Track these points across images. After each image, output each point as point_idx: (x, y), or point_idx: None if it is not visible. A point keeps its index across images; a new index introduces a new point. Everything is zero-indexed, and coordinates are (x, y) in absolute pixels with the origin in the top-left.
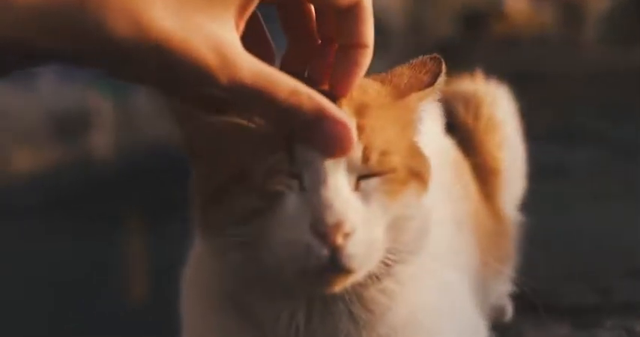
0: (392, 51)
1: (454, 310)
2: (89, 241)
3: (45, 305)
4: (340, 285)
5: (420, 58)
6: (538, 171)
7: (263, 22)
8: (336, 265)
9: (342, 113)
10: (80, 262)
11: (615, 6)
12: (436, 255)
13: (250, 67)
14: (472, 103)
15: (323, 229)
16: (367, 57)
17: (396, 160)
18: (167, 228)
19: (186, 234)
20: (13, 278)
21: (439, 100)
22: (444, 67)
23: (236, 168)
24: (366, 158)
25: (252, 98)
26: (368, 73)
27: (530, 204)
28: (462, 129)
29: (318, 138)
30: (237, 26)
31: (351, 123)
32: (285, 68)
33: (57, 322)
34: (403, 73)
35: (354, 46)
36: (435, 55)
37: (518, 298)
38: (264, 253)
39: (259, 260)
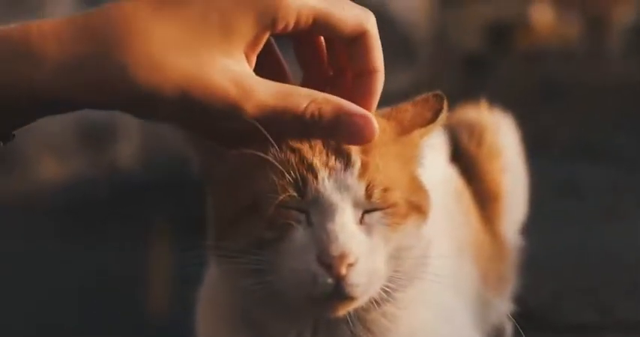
0: (417, 63)
1: (452, 332)
2: (112, 251)
3: (65, 314)
4: (343, 310)
5: (424, 95)
6: (556, 186)
7: (278, 50)
8: (340, 293)
9: (360, 107)
10: (102, 271)
11: None
12: (437, 280)
13: (269, 89)
14: (476, 131)
15: (328, 260)
16: (380, 81)
17: (397, 196)
18: (190, 240)
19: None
20: (34, 286)
21: (445, 128)
22: (445, 103)
23: (248, 200)
24: (369, 195)
25: (278, 118)
26: (394, 86)
27: (540, 220)
28: (465, 156)
29: (342, 132)
30: (249, 60)
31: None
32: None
33: (77, 331)
34: (407, 109)
35: (365, 72)
36: (437, 92)
37: (517, 316)
38: (274, 279)
39: (269, 285)
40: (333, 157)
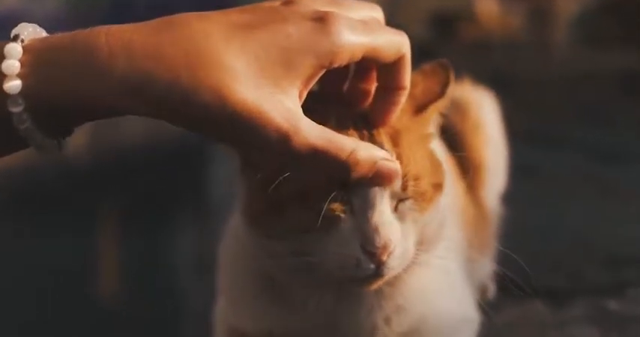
0: None
1: (453, 286)
2: (62, 238)
3: (15, 303)
4: (376, 285)
5: (429, 64)
6: (511, 172)
7: None
8: (378, 274)
9: (393, 160)
10: (52, 259)
11: (585, 10)
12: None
13: (316, 132)
14: (461, 106)
15: (373, 250)
16: (405, 96)
17: (426, 183)
18: (140, 225)
19: (158, 230)
20: None
21: None
22: (452, 74)
23: (294, 189)
24: (404, 186)
25: (320, 159)
26: None
27: (508, 201)
28: (451, 130)
29: (373, 179)
30: (301, 96)
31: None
32: (324, 84)
33: (30, 316)
34: (417, 82)
35: (393, 88)
36: (443, 60)
37: (499, 279)
38: (315, 260)
39: (305, 262)
40: None
